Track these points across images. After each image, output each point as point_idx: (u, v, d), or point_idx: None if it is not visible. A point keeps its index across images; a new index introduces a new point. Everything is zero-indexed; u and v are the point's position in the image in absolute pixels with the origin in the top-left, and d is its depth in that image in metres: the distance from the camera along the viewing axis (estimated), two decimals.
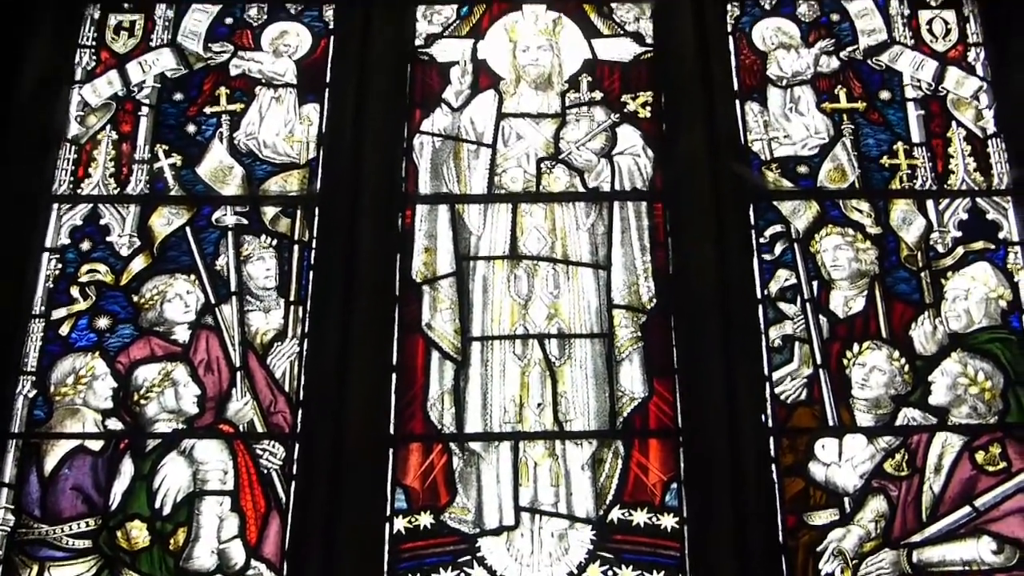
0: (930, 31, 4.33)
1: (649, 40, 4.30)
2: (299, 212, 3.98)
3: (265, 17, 4.36)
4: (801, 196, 4.01)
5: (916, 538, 3.56)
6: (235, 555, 3.56)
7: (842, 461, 3.63)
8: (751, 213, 3.96)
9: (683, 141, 4.02)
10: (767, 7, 4.37)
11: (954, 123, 4.13)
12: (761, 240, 3.93)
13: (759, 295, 3.86)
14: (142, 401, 3.71)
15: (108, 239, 3.95)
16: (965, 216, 3.98)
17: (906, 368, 3.74)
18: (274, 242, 3.94)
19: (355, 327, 3.73)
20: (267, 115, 4.17)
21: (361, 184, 3.93)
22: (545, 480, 3.68)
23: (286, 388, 3.76)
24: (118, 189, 4.03)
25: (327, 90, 4.18)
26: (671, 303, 3.86)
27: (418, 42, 4.32)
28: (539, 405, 3.80)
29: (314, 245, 3.92)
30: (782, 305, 3.86)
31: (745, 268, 3.87)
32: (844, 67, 4.24)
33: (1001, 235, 3.96)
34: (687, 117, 4.05)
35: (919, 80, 4.21)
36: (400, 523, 3.59)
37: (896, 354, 3.75)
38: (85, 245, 3.94)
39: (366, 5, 4.22)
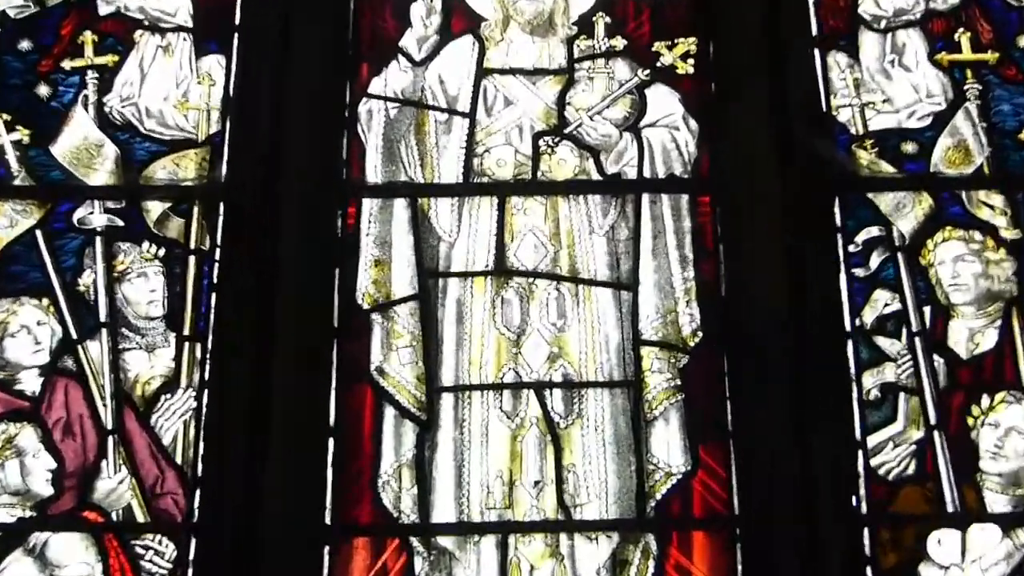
0: None
1: None
2: (196, 209, 4.02)
3: None
4: (908, 186, 4.05)
5: None
6: None
7: (966, 562, 3.61)
8: (836, 210, 4.00)
9: (741, 108, 4.06)
10: None
11: None
12: (851, 248, 3.97)
13: (848, 326, 3.86)
14: None
15: None
16: None
17: None
18: (161, 252, 3.96)
19: (276, 372, 3.73)
20: (151, 72, 4.21)
21: (284, 169, 3.96)
22: None
23: (178, 459, 3.74)
24: None
25: (236, 36, 4.21)
26: (724, 338, 3.88)
27: None
28: (537, 483, 3.77)
29: (218, 256, 3.95)
30: (881, 340, 3.86)
31: (828, 288, 3.88)
32: (968, 2, 4.29)
33: None
34: (746, 74, 4.10)
35: None
36: None
37: None
38: None
39: None
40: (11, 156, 4.09)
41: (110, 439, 3.75)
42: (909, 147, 4.13)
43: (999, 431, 3.76)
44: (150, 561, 3.61)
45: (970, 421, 3.78)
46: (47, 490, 3.69)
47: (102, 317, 3.90)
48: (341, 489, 3.73)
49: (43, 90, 4.16)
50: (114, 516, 3.66)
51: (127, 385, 3.83)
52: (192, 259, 3.98)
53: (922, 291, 3.94)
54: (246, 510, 3.58)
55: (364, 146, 4.16)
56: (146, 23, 4.27)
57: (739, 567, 3.61)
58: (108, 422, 3.77)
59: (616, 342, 3.94)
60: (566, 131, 4.17)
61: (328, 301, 3.94)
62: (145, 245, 3.98)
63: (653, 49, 4.25)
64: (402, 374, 3.88)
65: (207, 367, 3.84)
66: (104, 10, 4.28)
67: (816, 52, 4.22)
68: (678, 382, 3.87)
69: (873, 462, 3.73)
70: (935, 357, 3.86)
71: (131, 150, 4.12)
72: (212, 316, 3.91)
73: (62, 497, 3.68)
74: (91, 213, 4.02)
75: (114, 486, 3.71)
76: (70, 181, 4.08)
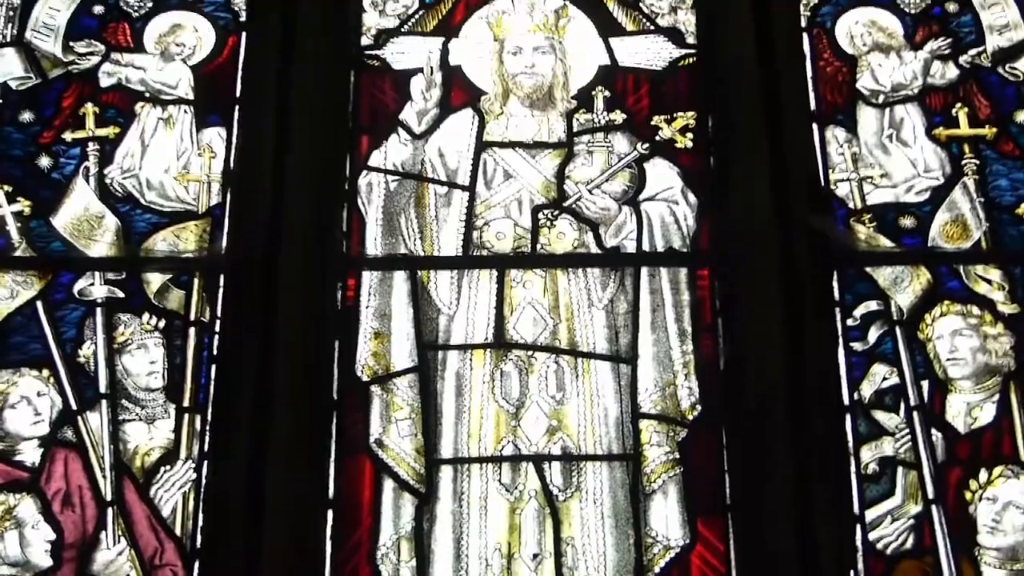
0: None
1: (691, 38, 5.21)
2: (197, 281, 4.74)
3: (150, 5, 5.25)
4: (906, 260, 4.80)
5: None
6: None
7: None
8: (835, 284, 4.74)
9: (739, 182, 4.83)
10: None
11: None
12: (849, 322, 4.70)
13: (846, 400, 4.59)
14: None
15: None
16: None
17: None
18: (161, 324, 4.69)
19: (275, 444, 4.40)
20: (152, 143, 5.00)
21: (284, 242, 4.68)
22: None
23: (177, 531, 4.39)
24: None
25: (237, 109, 5.02)
26: (722, 412, 4.59)
27: (365, 41, 5.21)
28: (535, 556, 4.46)
29: (218, 328, 4.66)
30: (879, 415, 4.59)
31: (827, 362, 4.60)
32: (965, 77, 5.14)
33: None
34: (745, 148, 4.87)
35: None
36: None
37: None
38: None
39: None
40: (12, 227, 4.80)
41: (109, 510, 4.37)
42: (907, 221, 4.88)
43: (997, 505, 4.40)
44: None
45: (968, 495, 4.44)
46: (46, 561, 4.30)
47: (102, 388, 4.56)
48: (340, 561, 4.40)
49: (44, 161, 4.91)
50: None
51: (126, 456, 4.48)
52: (192, 331, 4.67)
53: (920, 365, 4.64)
54: None
55: (364, 219, 4.89)
56: (147, 95, 5.07)
57: None
58: (107, 493, 4.40)
59: (615, 415, 4.64)
60: (565, 204, 4.91)
61: (327, 373, 4.63)
62: (145, 317, 4.68)
63: (652, 123, 5.03)
64: (401, 446, 4.57)
65: (207, 439, 4.51)
66: (106, 82, 5.08)
67: (815, 126, 4.99)
68: (677, 455, 4.56)
69: (871, 536, 4.40)
70: (933, 431, 4.54)
71: (132, 222, 4.84)
72: (212, 388, 4.58)
73: (61, 568, 4.29)
74: (91, 284, 4.71)
75: (113, 557, 4.33)
76: (71, 253, 4.77)
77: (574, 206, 4.92)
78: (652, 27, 5.24)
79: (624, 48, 5.19)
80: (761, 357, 4.59)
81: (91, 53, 5.15)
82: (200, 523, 4.43)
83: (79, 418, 4.56)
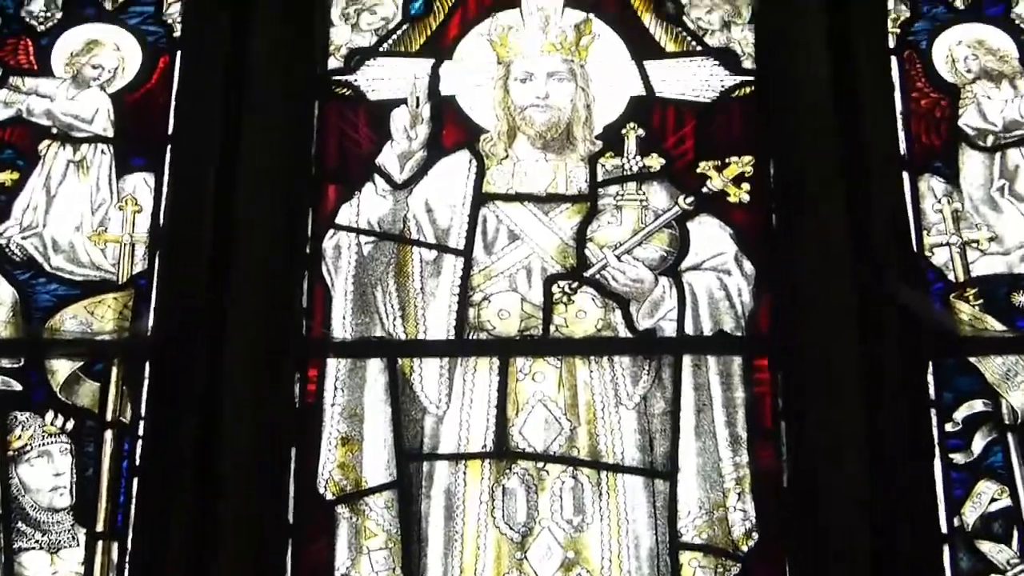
0: None
1: (749, 62, 5.45)
2: (115, 371, 4.90)
3: (59, 16, 5.48)
4: (1020, 348, 4.94)
5: None
6: None
7: None
8: (930, 379, 4.90)
9: (809, 247, 4.99)
10: (959, 5, 5.52)
11: None
12: (948, 427, 4.87)
13: (944, 527, 4.73)
14: None
15: None
16: None
17: None
18: (69, 425, 4.84)
19: None
20: (60, 193, 5.19)
21: (228, 321, 4.84)
22: None
23: None
24: None
25: (169, 149, 5.20)
26: (786, 541, 4.74)
27: (333, 63, 5.45)
28: None
29: (141, 431, 4.81)
30: (985, 546, 4.75)
31: (920, 478, 4.75)
32: None
33: None
34: (816, 203, 5.04)
35: None
36: None
37: None
38: None
39: None
40: None
41: None
42: (1023, 298, 5.03)
43: None
44: None
45: None
46: None
47: None
48: None
49: None
50: None
51: None
52: (109, 434, 4.81)
53: None
54: None
55: (330, 291, 5.07)
56: (55, 131, 5.28)
57: None
58: None
59: (648, 545, 4.78)
60: (587, 274, 5.07)
61: (281, 490, 4.78)
62: (49, 416, 4.83)
63: (698, 170, 5.23)
64: None
65: (126, 574, 4.62)
66: (1, 114, 5.29)
67: (905, 176, 5.16)
68: None
69: None
70: None
71: (33, 294, 5.04)
72: (133, 508, 4.70)
73: None
74: None
75: None
76: None
77: (598, 276, 5.08)
78: (699, 47, 5.47)
79: (663, 74, 5.40)
80: (836, 471, 4.72)
81: None
82: None
83: None
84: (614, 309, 5.05)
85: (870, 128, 5.17)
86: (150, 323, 4.98)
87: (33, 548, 4.73)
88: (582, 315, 5.04)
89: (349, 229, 5.16)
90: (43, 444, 4.83)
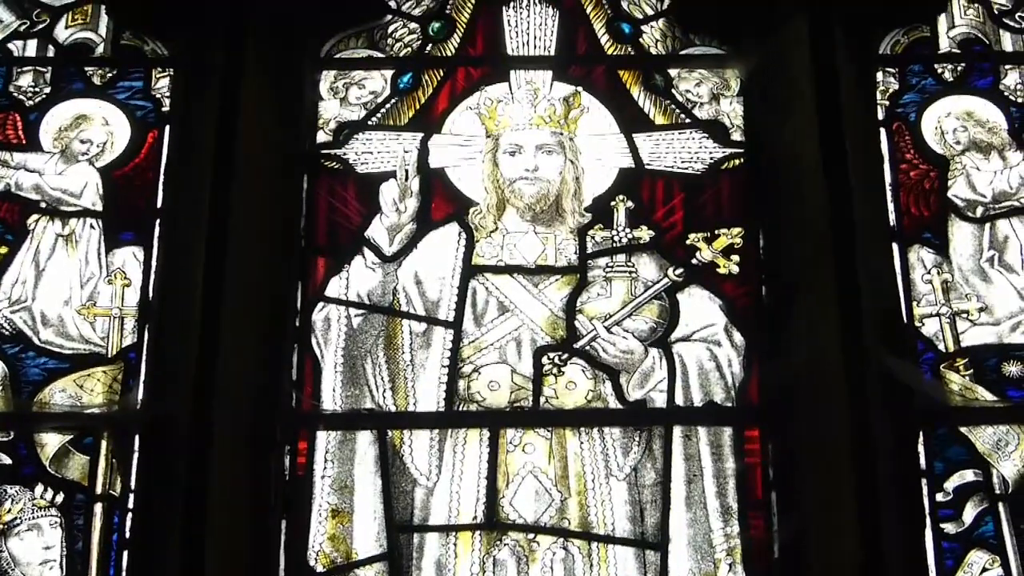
0: None
1: (738, 134, 5.61)
2: (105, 444, 5.01)
3: (48, 91, 5.65)
4: (1011, 418, 5.06)
5: None
6: None
7: None
8: (921, 449, 5.02)
9: (798, 319, 5.11)
10: (948, 77, 5.69)
11: None
12: (940, 497, 4.97)
13: None
14: None
15: None
16: None
17: None
18: (59, 498, 4.93)
19: None
20: (49, 267, 5.33)
21: (217, 394, 4.92)
22: None
23: None
24: None
25: (158, 223, 5.35)
26: None
27: (322, 136, 5.61)
28: None
29: (131, 504, 4.91)
30: None
31: (911, 548, 4.84)
32: None
33: None
34: (806, 275, 5.15)
35: None
36: None
37: None
38: None
39: (229, 67, 5.46)
40: None
41: None
42: (1013, 368, 5.16)
43: None
44: None
45: None
46: None
47: None
48: None
49: None
50: None
51: None
52: (99, 507, 4.91)
53: None
54: None
55: (319, 363, 5.21)
56: (43, 205, 5.43)
57: None
58: None
59: None
60: (577, 346, 5.21)
61: (271, 562, 4.88)
62: (39, 489, 4.94)
63: (688, 242, 5.37)
64: None
65: None
66: None
67: (895, 247, 5.31)
68: None
69: None
70: None
71: (22, 367, 5.16)
72: None
73: None
74: None
75: None
76: None
77: (588, 348, 5.22)
78: (688, 120, 5.64)
79: (652, 146, 5.57)
80: (828, 542, 4.81)
81: None
82: None
83: None
84: (604, 380, 5.18)
85: (859, 199, 5.26)
86: (140, 396, 5.09)
87: None
88: (572, 386, 5.17)
89: (338, 302, 5.30)
90: (33, 518, 4.91)
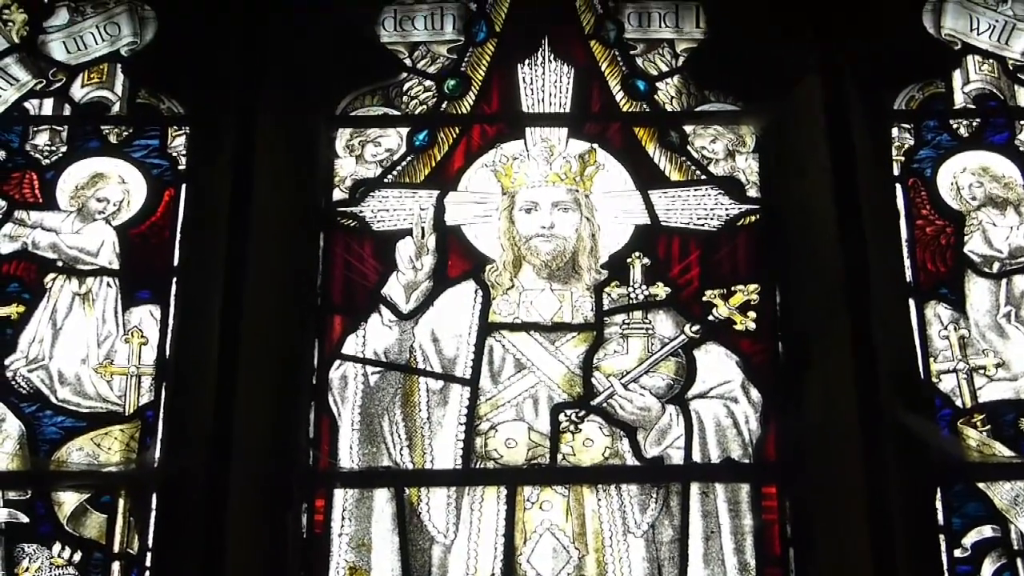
0: None
1: (754, 191, 5.89)
2: (122, 502, 5.26)
3: (64, 150, 5.95)
4: None
5: None
6: None
7: None
8: (939, 505, 5.27)
9: (816, 375, 5.37)
10: (963, 132, 5.97)
11: None
12: (958, 553, 5.23)
13: None
14: None
15: None
16: None
17: None
18: (77, 557, 5.19)
19: None
20: (66, 326, 5.60)
21: (235, 452, 5.18)
22: None
23: None
24: None
25: (175, 282, 5.63)
26: None
27: (339, 194, 5.90)
28: None
29: (148, 563, 5.16)
30: None
31: None
32: None
33: None
34: (823, 331, 5.42)
35: None
36: None
37: None
38: None
39: (245, 125, 5.73)
40: None
41: None
42: None
43: None
44: None
45: None
46: None
47: None
48: None
49: None
50: None
51: None
52: (116, 566, 5.18)
53: None
54: None
55: (336, 422, 5.48)
56: (60, 264, 5.70)
57: None
58: None
59: None
60: (594, 403, 5.48)
61: None
62: (56, 548, 5.20)
63: (704, 299, 5.66)
64: None
65: None
66: (7, 248, 5.72)
67: (911, 303, 5.58)
68: None
69: None
70: None
71: (40, 426, 5.43)
72: None
73: None
74: None
75: None
76: None
77: (605, 405, 5.49)
78: (704, 176, 5.93)
79: (668, 203, 5.87)
80: None
81: None
82: None
83: None
84: (621, 437, 5.44)
85: (876, 256, 5.52)
86: (157, 454, 5.34)
87: None
88: (589, 443, 5.42)
89: (355, 360, 5.57)
90: None
